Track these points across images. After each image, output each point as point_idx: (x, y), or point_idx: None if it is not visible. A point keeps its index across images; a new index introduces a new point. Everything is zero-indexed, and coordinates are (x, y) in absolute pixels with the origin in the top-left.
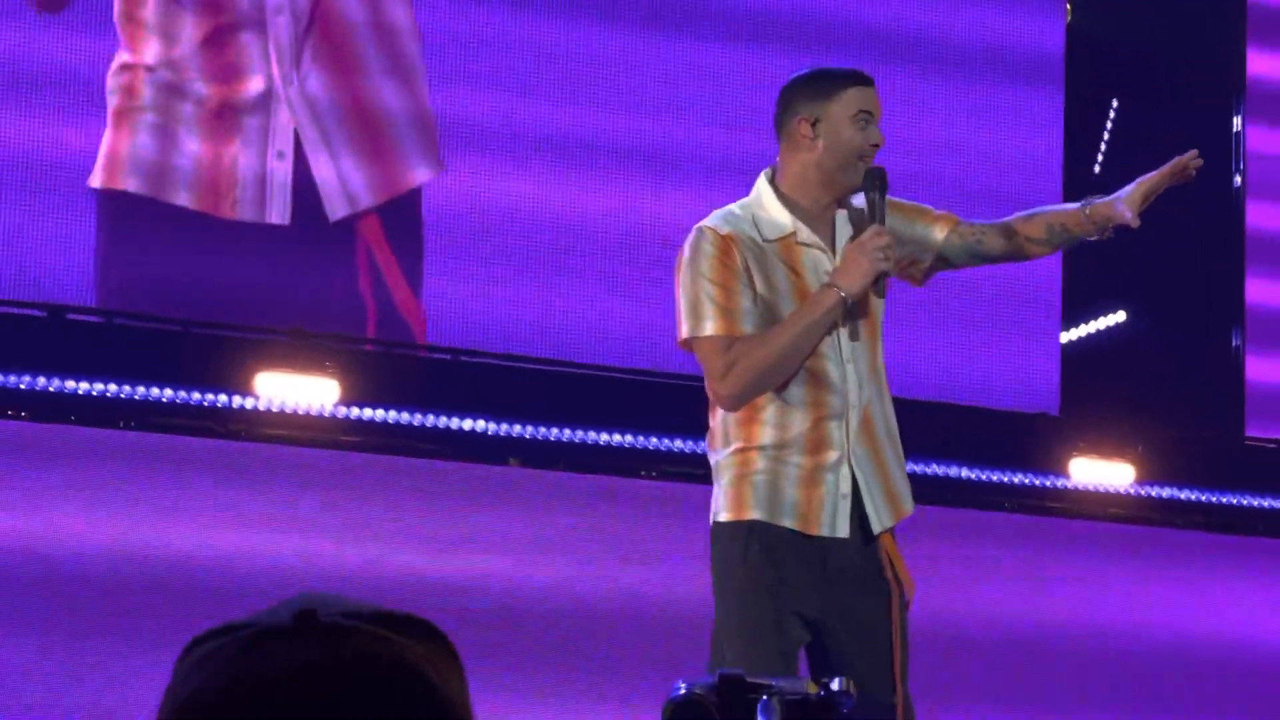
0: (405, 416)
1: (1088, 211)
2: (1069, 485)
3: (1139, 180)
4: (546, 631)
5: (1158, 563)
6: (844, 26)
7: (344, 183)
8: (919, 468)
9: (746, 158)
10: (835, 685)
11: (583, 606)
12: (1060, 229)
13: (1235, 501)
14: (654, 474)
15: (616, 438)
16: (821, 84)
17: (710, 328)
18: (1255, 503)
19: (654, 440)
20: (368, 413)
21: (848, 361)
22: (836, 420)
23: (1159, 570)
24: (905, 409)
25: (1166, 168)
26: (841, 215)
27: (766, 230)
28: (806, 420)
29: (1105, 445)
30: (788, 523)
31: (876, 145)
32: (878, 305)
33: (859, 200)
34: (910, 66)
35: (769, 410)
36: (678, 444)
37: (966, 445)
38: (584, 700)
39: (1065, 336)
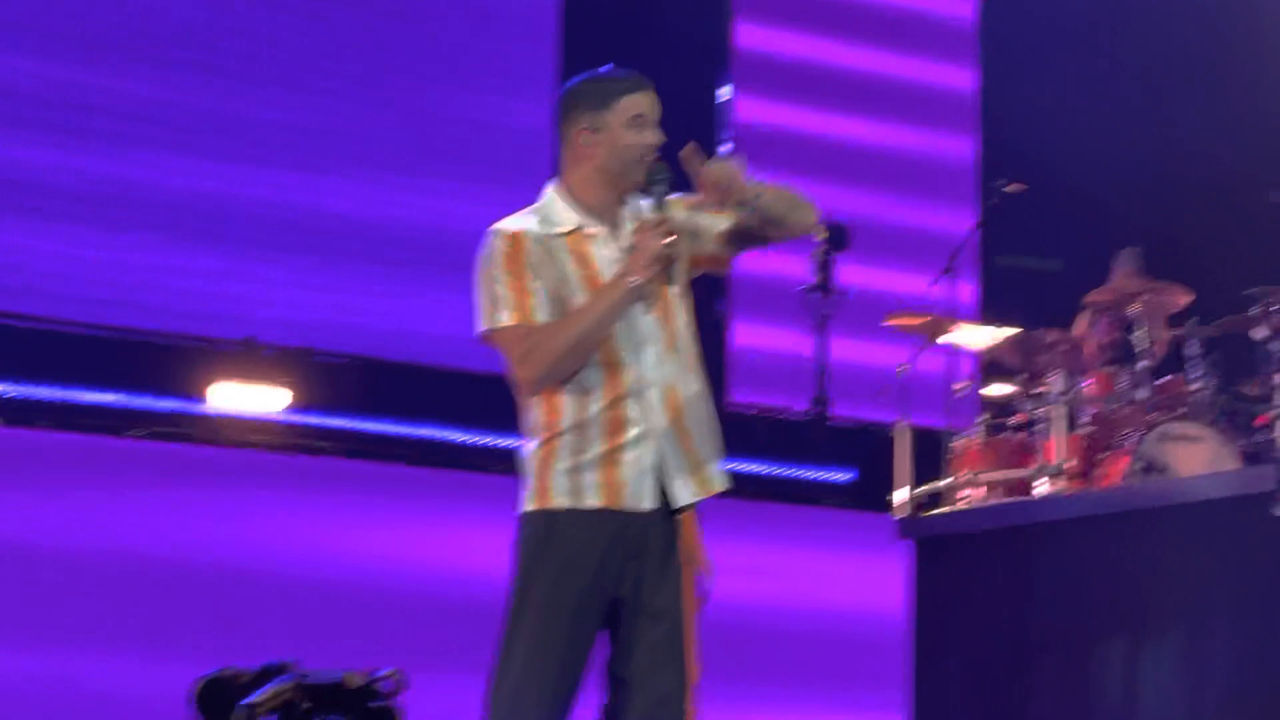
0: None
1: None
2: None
3: None
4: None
5: None
6: None
7: None
8: None
9: None
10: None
11: None
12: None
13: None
14: None
15: None
16: (597, 94)
17: (505, 318)
18: (738, 467)
19: None
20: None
21: (641, 343)
22: (634, 399)
23: None
24: None
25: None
26: (630, 209)
27: (555, 226)
28: (602, 401)
29: None
30: (591, 501)
31: (654, 145)
32: (675, 285)
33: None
34: (406, 35)
35: (566, 398)
36: None
37: None
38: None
39: None
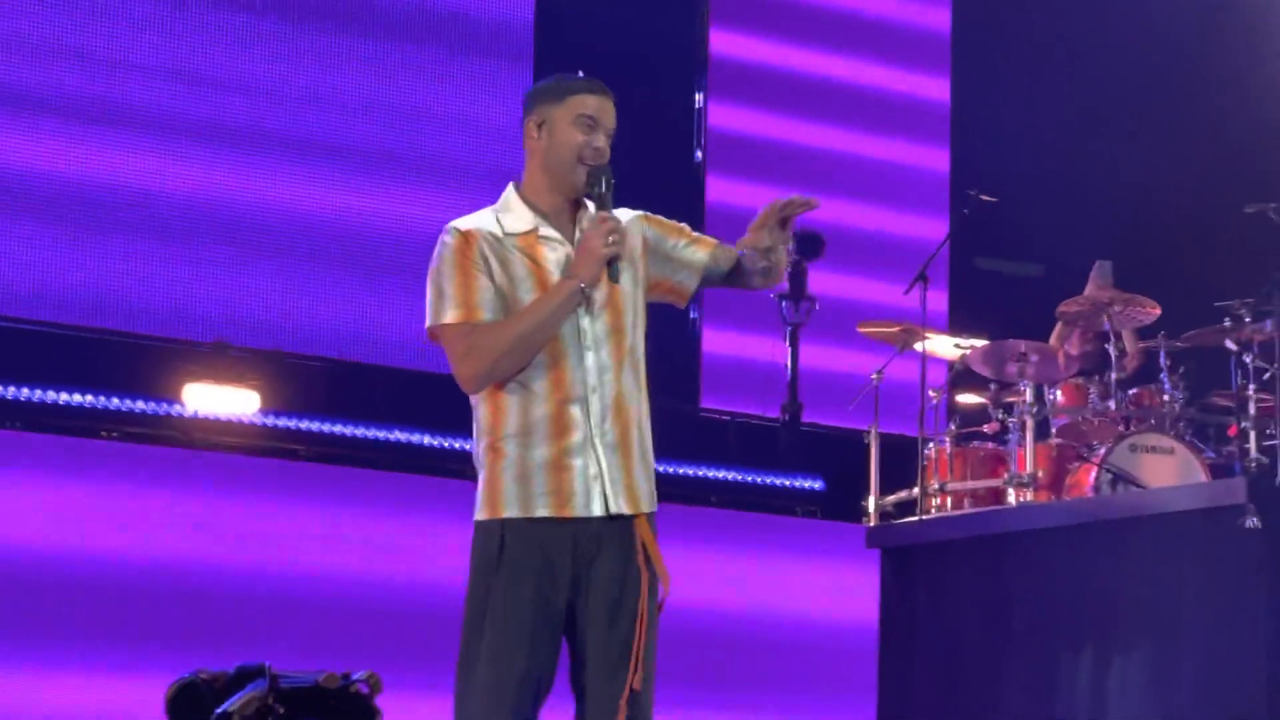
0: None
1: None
2: None
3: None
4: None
5: None
6: None
7: None
8: None
9: None
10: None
11: None
12: (753, 262)
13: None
14: None
15: None
16: (552, 90)
17: (450, 315)
18: (708, 474)
19: None
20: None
21: (588, 348)
22: (578, 404)
23: None
24: None
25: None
26: (583, 215)
27: (508, 226)
28: (548, 405)
29: None
30: (541, 511)
31: (598, 149)
32: (627, 296)
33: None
34: (387, 36)
35: (512, 399)
36: None
37: None
38: None
39: None
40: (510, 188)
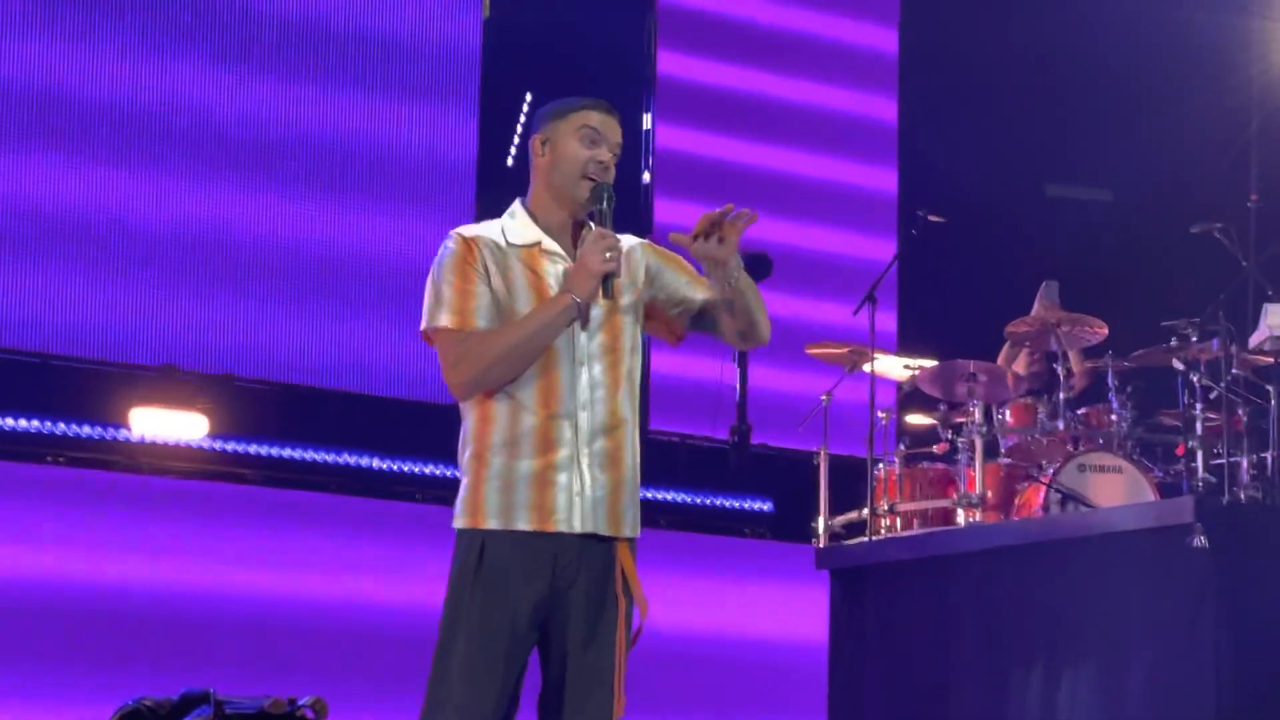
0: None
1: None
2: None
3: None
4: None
5: None
6: (262, 18)
7: None
8: None
9: None
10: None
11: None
12: (730, 305)
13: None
14: None
15: None
16: (559, 107)
17: (445, 320)
18: (657, 496)
19: None
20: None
21: (580, 364)
22: (567, 420)
23: None
24: None
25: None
26: (585, 234)
27: (512, 237)
28: (535, 418)
29: None
30: (522, 524)
31: (602, 164)
32: (626, 318)
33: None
34: (329, 65)
35: (500, 408)
36: None
37: None
38: None
39: None
40: (517, 202)
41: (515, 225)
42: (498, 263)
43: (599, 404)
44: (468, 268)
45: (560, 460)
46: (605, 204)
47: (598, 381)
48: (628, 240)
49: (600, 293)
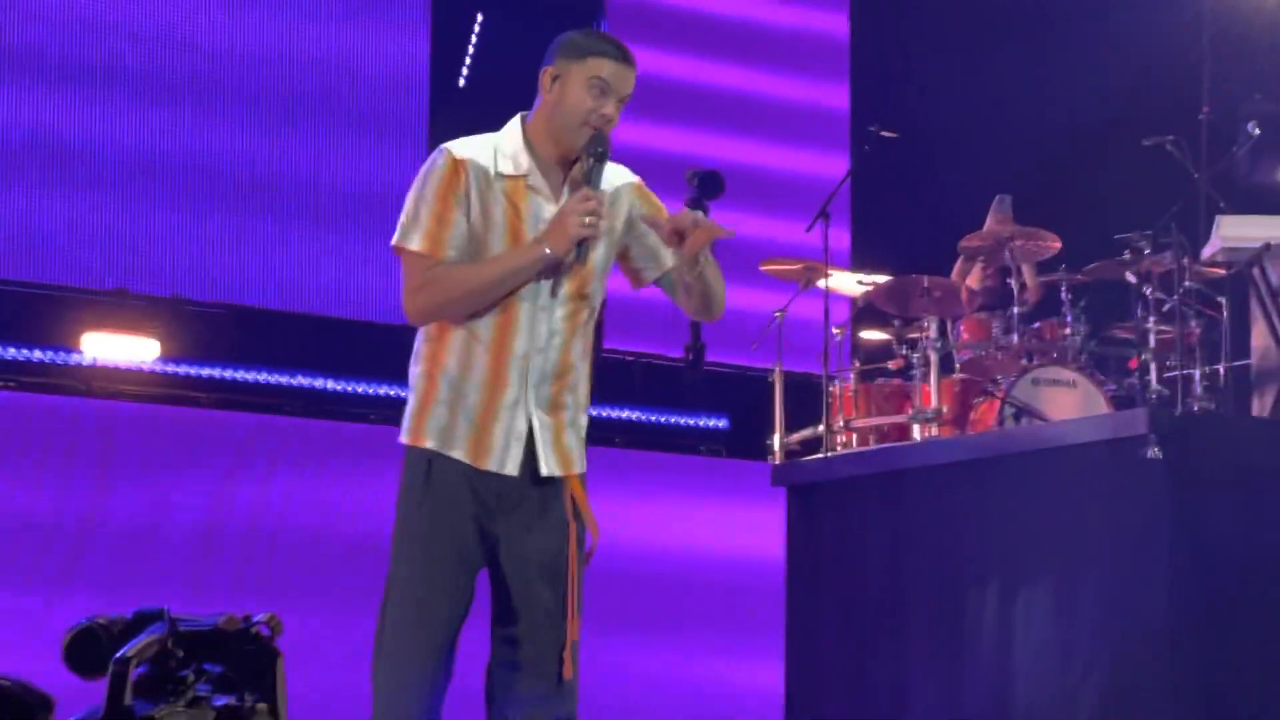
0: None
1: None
2: None
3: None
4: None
5: None
6: None
7: None
8: None
9: None
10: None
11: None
12: (689, 288)
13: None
14: None
15: None
16: (577, 45)
17: (417, 243)
18: (613, 414)
19: None
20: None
21: (542, 310)
22: (519, 361)
23: None
24: None
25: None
26: (574, 173)
27: (502, 164)
28: (488, 356)
29: None
30: (458, 454)
31: (606, 116)
32: (597, 265)
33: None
34: None
35: (456, 339)
36: None
37: None
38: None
39: None
40: (517, 120)
41: (507, 151)
42: (481, 191)
43: (553, 351)
44: (450, 194)
45: (505, 401)
46: (597, 157)
47: (556, 329)
48: (620, 177)
49: (574, 253)
